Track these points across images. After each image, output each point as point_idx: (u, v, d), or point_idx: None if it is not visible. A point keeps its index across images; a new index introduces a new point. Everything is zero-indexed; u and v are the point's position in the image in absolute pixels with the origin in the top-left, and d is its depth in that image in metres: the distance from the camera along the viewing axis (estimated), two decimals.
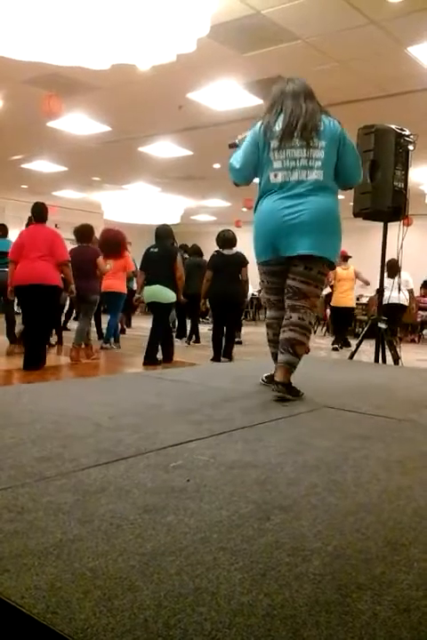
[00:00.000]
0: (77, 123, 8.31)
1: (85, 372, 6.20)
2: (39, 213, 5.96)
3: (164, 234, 6.70)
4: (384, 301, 5.05)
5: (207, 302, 7.19)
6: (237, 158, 2.82)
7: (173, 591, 0.94)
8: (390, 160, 4.39)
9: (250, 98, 6.91)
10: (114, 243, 7.77)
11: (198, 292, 7.33)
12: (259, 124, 2.77)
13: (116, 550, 1.07)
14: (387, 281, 6.68)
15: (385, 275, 7.73)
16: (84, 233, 7.15)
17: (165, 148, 9.67)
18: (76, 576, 0.98)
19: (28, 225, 6.84)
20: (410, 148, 4.48)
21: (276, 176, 2.70)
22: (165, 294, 6.52)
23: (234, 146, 2.98)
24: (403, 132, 4.46)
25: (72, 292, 6.32)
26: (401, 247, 4.61)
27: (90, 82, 6.54)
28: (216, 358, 6.76)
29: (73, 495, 1.35)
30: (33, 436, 1.84)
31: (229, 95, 6.87)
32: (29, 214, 6.36)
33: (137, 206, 14.26)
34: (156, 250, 6.59)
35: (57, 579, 0.96)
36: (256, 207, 2.84)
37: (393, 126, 4.45)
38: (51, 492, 1.37)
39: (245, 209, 13.78)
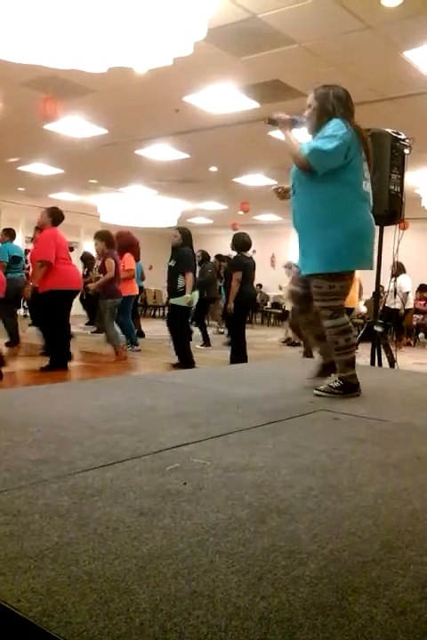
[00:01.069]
0: (74, 125, 8.30)
1: (86, 374, 6.20)
2: (61, 217, 6.04)
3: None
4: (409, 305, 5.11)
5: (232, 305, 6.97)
6: (334, 147, 2.68)
7: (169, 594, 0.94)
8: (386, 164, 4.39)
9: (247, 101, 6.92)
10: (139, 247, 8.05)
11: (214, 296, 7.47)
12: (350, 128, 2.74)
13: (113, 553, 1.07)
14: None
15: (406, 275, 7.81)
16: (114, 239, 7.43)
17: (162, 151, 9.68)
18: (72, 579, 0.97)
19: (38, 229, 6.89)
20: (406, 151, 4.49)
21: (365, 185, 2.84)
22: None
23: (273, 122, 2.95)
24: (399, 136, 4.47)
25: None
26: (397, 251, 4.62)
27: (87, 85, 6.54)
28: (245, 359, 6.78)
29: (69, 498, 1.34)
30: (29, 438, 1.83)
31: (225, 99, 6.88)
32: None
33: (134, 209, 14.25)
34: (193, 254, 6.81)
35: (53, 582, 0.96)
36: (346, 210, 2.78)
37: (389, 130, 4.46)
38: (47, 494, 1.36)
39: (241, 212, 13.80)
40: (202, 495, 1.40)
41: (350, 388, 2.87)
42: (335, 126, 2.72)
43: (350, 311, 9.84)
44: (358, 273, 9.75)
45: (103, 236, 7.40)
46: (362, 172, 2.83)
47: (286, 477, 1.57)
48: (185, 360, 6.53)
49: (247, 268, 6.83)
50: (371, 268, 3.00)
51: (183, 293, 6.50)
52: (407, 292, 10.31)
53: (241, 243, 6.93)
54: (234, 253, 7.07)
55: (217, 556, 1.09)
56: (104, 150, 9.60)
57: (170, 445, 1.82)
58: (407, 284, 10.29)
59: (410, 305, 10.92)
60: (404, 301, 9.65)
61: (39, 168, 11.37)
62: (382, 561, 1.11)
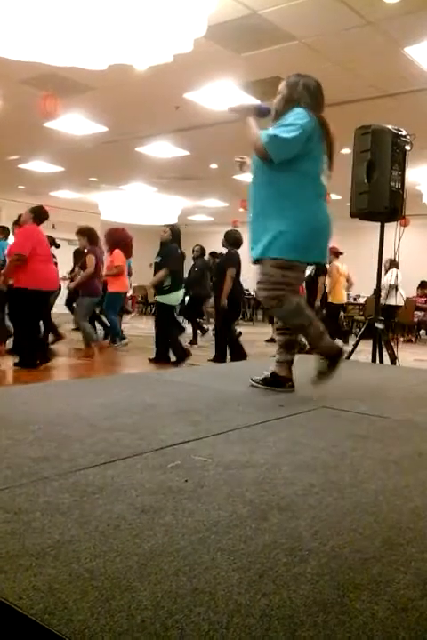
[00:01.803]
0: (74, 123, 8.30)
1: (83, 372, 6.20)
2: (45, 219, 5.97)
3: (180, 235, 6.81)
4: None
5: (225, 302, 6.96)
6: (293, 136, 2.61)
7: (170, 592, 0.94)
8: (387, 160, 4.39)
9: (247, 98, 6.92)
10: (131, 244, 7.97)
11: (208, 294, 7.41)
12: (313, 118, 2.68)
13: (114, 551, 1.07)
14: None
15: (397, 272, 7.77)
16: (97, 235, 7.33)
17: (162, 149, 9.67)
18: (73, 577, 0.97)
19: (16, 223, 6.84)
20: (407, 148, 4.49)
21: (324, 179, 2.78)
22: None
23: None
24: (400, 133, 4.47)
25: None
26: (398, 248, 4.62)
27: (87, 82, 6.53)
28: (224, 359, 6.75)
29: (70, 496, 1.34)
30: (30, 436, 1.83)
31: (226, 95, 6.87)
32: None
33: (134, 207, 14.25)
34: (180, 251, 6.71)
35: (54, 579, 0.96)
36: (303, 202, 2.71)
37: (390, 126, 4.46)
38: (48, 492, 1.36)
39: (241, 209, 13.78)
40: (203, 492, 1.40)
41: (332, 353, 2.80)
42: (297, 114, 2.67)
43: (340, 307, 9.87)
44: (345, 267, 9.79)
45: (85, 232, 7.27)
46: (321, 165, 2.77)
47: (287, 474, 1.57)
48: (178, 354, 6.55)
49: (238, 264, 6.82)
50: (324, 263, 3.01)
51: (168, 291, 6.52)
52: (395, 286, 9.93)
53: (233, 239, 6.94)
54: (226, 250, 7.06)
55: (218, 553, 1.09)
56: (104, 148, 9.59)
57: (171, 443, 1.82)
58: (392, 277, 10.01)
59: (399, 301, 10.51)
60: (386, 296, 9.47)
61: (39, 166, 11.37)
62: (384, 558, 1.11)
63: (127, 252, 7.88)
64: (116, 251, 7.71)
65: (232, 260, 6.85)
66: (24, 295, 5.64)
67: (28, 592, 0.92)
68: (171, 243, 6.65)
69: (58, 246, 8.29)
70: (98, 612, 0.87)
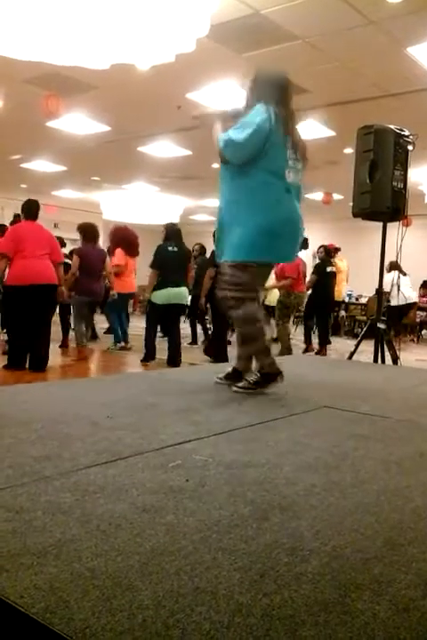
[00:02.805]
0: (77, 122, 8.30)
1: (84, 372, 6.20)
2: (36, 211, 5.91)
3: (178, 233, 6.74)
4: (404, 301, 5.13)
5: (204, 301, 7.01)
6: (246, 136, 2.56)
7: (171, 591, 0.94)
8: (390, 160, 4.39)
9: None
10: (136, 242, 7.85)
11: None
12: (272, 113, 2.60)
13: (115, 550, 1.07)
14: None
15: (398, 274, 7.75)
16: (95, 233, 7.18)
17: (164, 148, 9.68)
18: (74, 576, 0.97)
19: (14, 222, 6.78)
20: (409, 148, 4.49)
21: (289, 174, 2.67)
22: (187, 296, 6.69)
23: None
24: (402, 133, 4.47)
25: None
26: (400, 248, 4.61)
27: (89, 81, 6.54)
28: (225, 358, 6.71)
29: (72, 495, 1.34)
30: (32, 435, 1.83)
31: (228, 95, 6.87)
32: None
33: (136, 206, 14.25)
34: (175, 249, 6.57)
35: (56, 578, 0.96)
36: (258, 202, 2.63)
37: (392, 126, 4.46)
38: (49, 491, 1.36)
39: None
40: (204, 492, 1.40)
41: (269, 379, 2.72)
42: (253, 113, 2.61)
43: (338, 303, 9.81)
44: (345, 264, 9.77)
45: (80, 229, 7.17)
46: (285, 161, 2.66)
47: (289, 474, 1.57)
48: (147, 350, 6.61)
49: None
50: (283, 262, 2.95)
51: (155, 289, 6.52)
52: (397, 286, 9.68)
53: None
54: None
55: (220, 552, 1.09)
56: (106, 147, 9.60)
57: (172, 442, 1.82)
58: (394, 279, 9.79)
59: (401, 300, 10.24)
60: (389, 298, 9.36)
61: (41, 165, 11.38)
62: (385, 558, 1.11)
63: (132, 252, 7.77)
64: (118, 250, 7.63)
65: (213, 260, 6.78)
66: (5, 292, 5.66)
67: (29, 591, 0.92)
68: (163, 241, 6.64)
69: (63, 245, 8.21)
70: (99, 611, 0.87)
